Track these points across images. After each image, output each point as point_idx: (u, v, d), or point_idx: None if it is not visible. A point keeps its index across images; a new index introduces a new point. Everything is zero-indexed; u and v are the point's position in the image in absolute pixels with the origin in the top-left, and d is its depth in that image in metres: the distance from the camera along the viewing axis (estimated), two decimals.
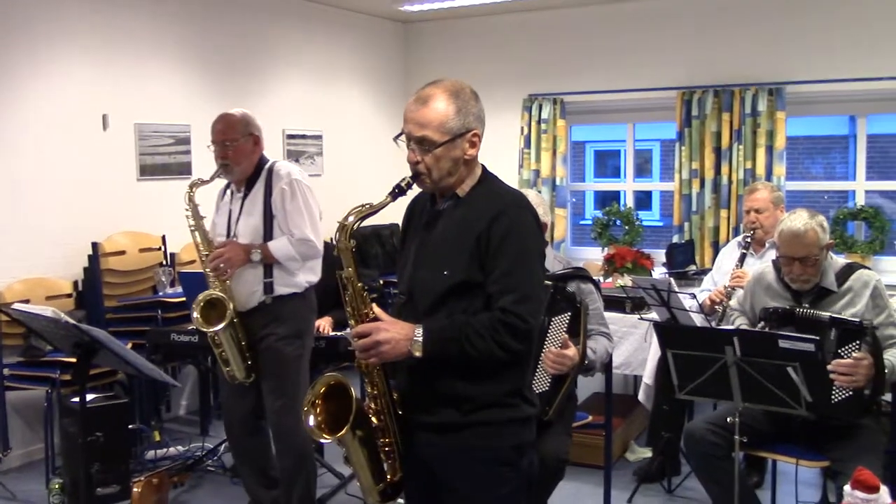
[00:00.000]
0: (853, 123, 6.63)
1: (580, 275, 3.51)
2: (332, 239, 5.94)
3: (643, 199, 11.75)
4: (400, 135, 2.33)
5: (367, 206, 2.29)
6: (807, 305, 3.46)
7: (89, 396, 4.43)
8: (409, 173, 2.31)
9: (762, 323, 3.52)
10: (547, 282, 3.07)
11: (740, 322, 3.75)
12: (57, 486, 4.39)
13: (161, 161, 5.89)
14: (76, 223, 5.33)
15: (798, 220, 3.42)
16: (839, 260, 3.62)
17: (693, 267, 6.13)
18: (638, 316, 4.87)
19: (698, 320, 4.30)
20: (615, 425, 4.70)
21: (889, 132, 8.08)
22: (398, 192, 2.29)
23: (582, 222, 9.12)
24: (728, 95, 6.54)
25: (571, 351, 3.16)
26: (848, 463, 3.09)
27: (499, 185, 2.38)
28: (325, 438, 2.30)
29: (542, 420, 3.04)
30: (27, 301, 4.84)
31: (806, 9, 6.36)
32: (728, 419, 3.24)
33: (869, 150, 6.54)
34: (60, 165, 5.28)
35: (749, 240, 4.66)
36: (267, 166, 3.83)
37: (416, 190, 2.37)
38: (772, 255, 4.19)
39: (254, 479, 4.03)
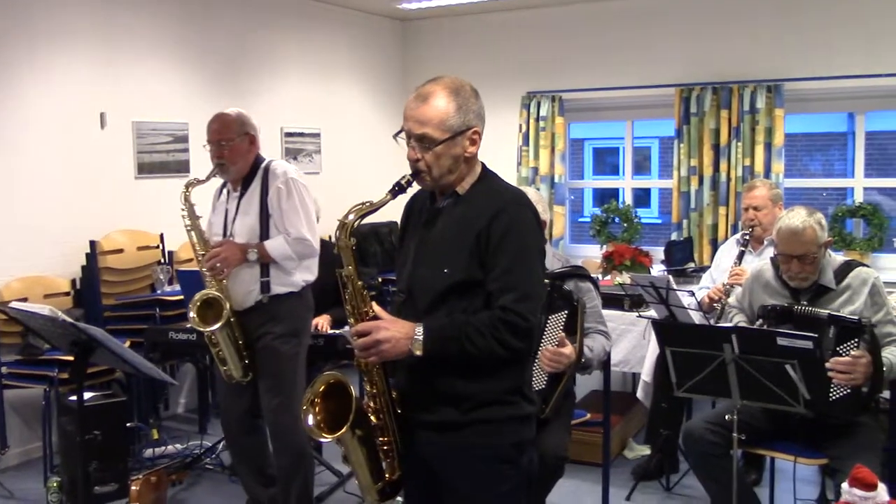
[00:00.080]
0: (852, 120, 6.62)
1: (578, 273, 3.51)
2: (330, 237, 5.94)
3: (642, 197, 11.75)
4: (400, 132, 2.32)
5: (367, 203, 2.28)
6: (805, 303, 3.46)
7: (87, 395, 4.43)
8: (409, 171, 2.30)
9: (760, 320, 3.52)
10: (545, 280, 3.07)
11: (739, 319, 3.75)
12: (55, 485, 4.38)
13: (159, 159, 5.88)
14: (74, 221, 5.32)
15: (796, 217, 3.42)
16: (837, 257, 3.62)
17: (692, 264, 6.13)
18: (636, 313, 4.87)
19: (697, 318, 4.30)
20: (613, 423, 4.70)
21: (888, 129, 8.07)
22: (398, 189, 2.28)
23: (581, 220, 9.13)
24: (726, 92, 6.54)
25: (568, 349, 3.16)
26: (846, 460, 3.09)
27: (499, 182, 2.37)
28: (325, 438, 2.29)
29: (539, 418, 3.04)
30: (25, 299, 4.84)
31: (804, 6, 6.35)
32: (726, 417, 3.24)
33: (867, 147, 6.53)
34: (58, 163, 5.28)
35: (747, 237, 4.65)
36: (263, 165, 3.82)
37: (415, 187, 2.36)
38: (770, 252, 4.19)
39: (251, 477, 4.03)
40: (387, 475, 2.37)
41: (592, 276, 3.63)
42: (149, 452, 5.01)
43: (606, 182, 12.86)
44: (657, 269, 5.92)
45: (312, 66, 7.16)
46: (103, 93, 5.51)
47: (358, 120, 7.63)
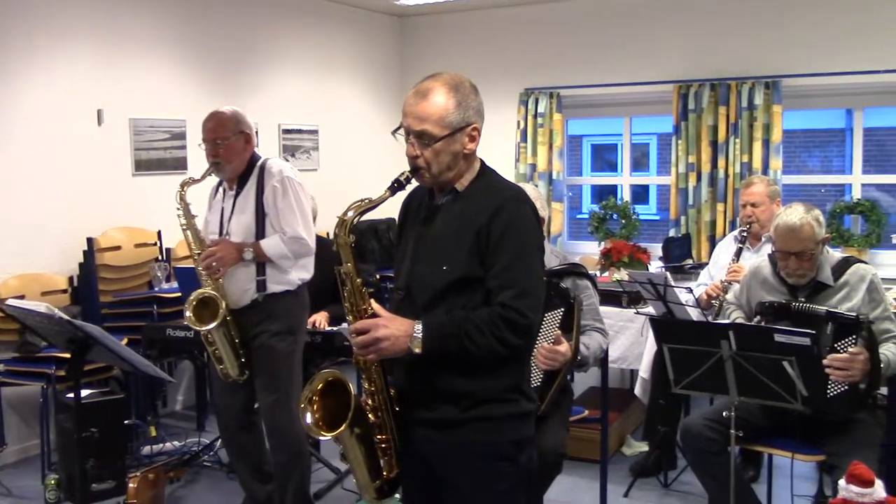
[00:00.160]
0: (850, 117, 6.61)
1: (576, 271, 3.50)
2: (328, 234, 5.93)
3: (640, 193, 11.74)
4: (398, 128, 2.30)
5: (366, 200, 2.27)
6: (803, 300, 3.46)
7: (85, 392, 4.45)
8: (407, 167, 2.29)
9: (758, 317, 3.51)
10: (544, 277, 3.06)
11: (736, 316, 3.75)
12: (53, 482, 4.39)
13: (156, 156, 5.87)
14: (71, 218, 5.32)
15: (794, 214, 3.41)
16: (835, 254, 3.62)
17: (690, 261, 6.13)
18: (634, 310, 4.87)
19: (695, 314, 4.29)
20: (611, 419, 4.70)
21: (886, 125, 8.06)
22: (397, 186, 2.27)
23: (579, 216, 9.12)
24: (724, 89, 6.54)
25: (564, 347, 3.16)
26: (843, 457, 3.09)
27: (498, 179, 2.36)
28: (323, 436, 2.28)
29: (536, 415, 3.03)
30: (22, 297, 4.84)
31: (802, 2, 6.35)
32: (724, 414, 3.24)
33: (866, 143, 6.54)
34: (55, 161, 5.27)
35: (745, 234, 4.65)
36: (259, 164, 3.81)
37: (414, 184, 2.35)
38: (768, 249, 4.18)
39: (248, 474, 4.02)
40: (384, 473, 2.36)
41: (590, 273, 3.63)
42: (147, 450, 5.01)
43: (605, 178, 12.85)
44: (655, 266, 5.92)
45: (310, 62, 7.15)
46: (100, 89, 5.50)
47: (356, 117, 7.62)
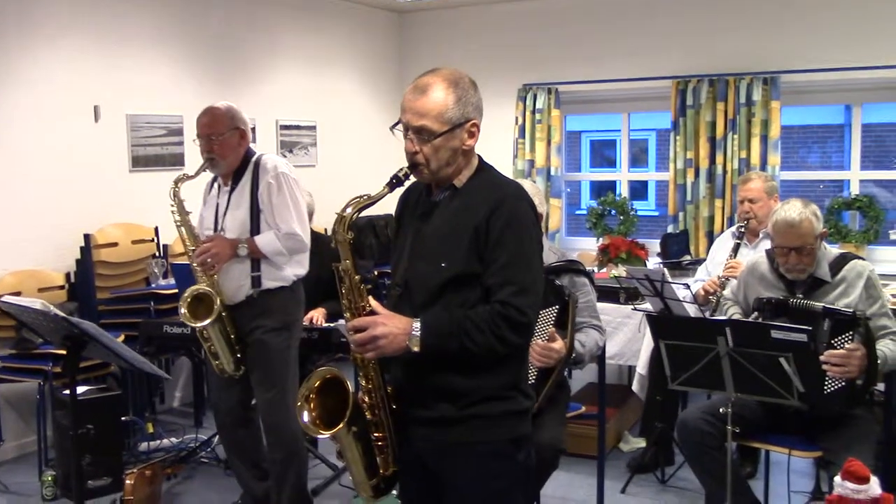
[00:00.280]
0: (849, 112, 6.60)
1: (574, 268, 3.50)
2: (326, 230, 5.92)
3: (639, 189, 11.74)
4: (397, 124, 2.29)
5: (365, 197, 2.25)
6: (800, 296, 3.46)
7: (82, 389, 4.43)
8: (405, 163, 2.27)
9: (756, 313, 3.51)
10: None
11: (733, 312, 3.74)
12: (50, 479, 4.39)
13: (153, 152, 5.86)
14: (68, 215, 5.31)
15: (792, 209, 3.41)
16: (833, 250, 3.62)
17: (687, 257, 6.13)
18: (632, 306, 4.87)
19: (692, 311, 4.29)
20: (609, 415, 4.70)
21: (885, 121, 8.05)
22: (396, 182, 2.26)
23: (578, 212, 9.11)
24: (723, 85, 6.52)
25: (558, 344, 3.15)
26: (840, 453, 3.09)
27: (496, 175, 2.35)
28: (320, 434, 2.27)
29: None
30: (19, 293, 4.83)
31: None
32: (721, 409, 3.24)
33: (864, 139, 6.52)
34: (52, 157, 5.26)
35: (743, 230, 4.65)
36: (254, 159, 3.80)
37: (413, 180, 2.33)
38: (766, 245, 4.18)
39: (246, 470, 4.02)
40: (381, 471, 2.35)
41: (588, 269, 3.62)
42: (144, 446, 5.01)
43: (603, 174, 12.82)
44: (653, 262, 5.91)
45: (309, 58, 7.13)
46: (97, 85, 5.49)
47: (354, 113, 7.61)
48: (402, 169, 2.27)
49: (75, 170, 5.37)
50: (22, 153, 5.11)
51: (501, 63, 7.42)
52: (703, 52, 6.66)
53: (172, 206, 3.78)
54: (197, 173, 3.81)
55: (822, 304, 3.34)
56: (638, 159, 12.73)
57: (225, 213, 3.78)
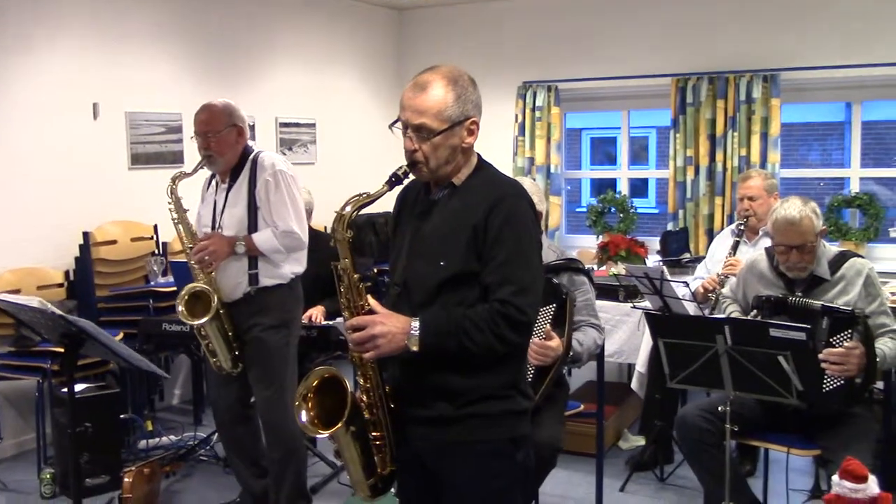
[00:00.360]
0: (849, 110, 6.59)
1: (573, 266, 3.49)
2: (325, 228, 5.92)
3: (640, 187, 11.72)
4: (396, 122, 2.28)
5: (364, 195, 2.24)
6: (799, 294, 3.45)
7: (81, 386, 4.44)
8: (405, 161, 2.26)
9: (754, 311, 3.50)
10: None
11: (732, 310, 3.74)
12: (48, 476, 4.39)
13: (153, 150, 5.85)
14: (67, 213, 5.30)
15: (792, 207, 3.40)
16: (832, 248, 3.61)
17: (687, 255, 6.12)
18: (631, 304, 4.86)
19: (691, 309, 4.28)
20: (608, 413, 4.70)
21: (885, 119, 8.04)
22: (395, 180, 2.25)
23: (578, 210, 9.10)
24: (723, 82, 6.51)
25: (555, 342, 3.15)
26: (839, 451, 3.09)
27: (495, 173, 2.34)
28: (318, 434, 2.26)
29: None
30: (18, 291, 4.83)
31: None
32: (719, 408, 3.23)
33: (864, 136, 6.51)
34: (51, 155, 5.25)
35: (742, 227, 4.64)
36: (251, 157, 3.79)
37: (412, 178, 2.32)
38: (765, 242, 4.18)
39: (245, 468, 4.02)
40: (379, 470, 2.34)
41: (587, 267, 3.61)
42: (143, 444, 5.01)
43: (603, 172, 12.82)
44: (653, 260, 5.91)
45: (308, 55, 7.12)
46: (96, 83, 5.48)
47: (354, 110, 7.60)
48: (401, 167, 2.26)
49: (74, 167, 5.37)
50: (21, 150, 5.10)
51: (501, 60, 7.41)
52: (702, 50, 6.65)
53: (170, 203, 3.78)
54: (194, 171, 3.81)
55: (821, 303, 3.34)
56: (639, 157, 12.72)
57: (223, 211, 3.77)
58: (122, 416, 4.74)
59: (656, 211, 11.00)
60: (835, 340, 3.25)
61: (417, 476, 2.37)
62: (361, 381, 2.30)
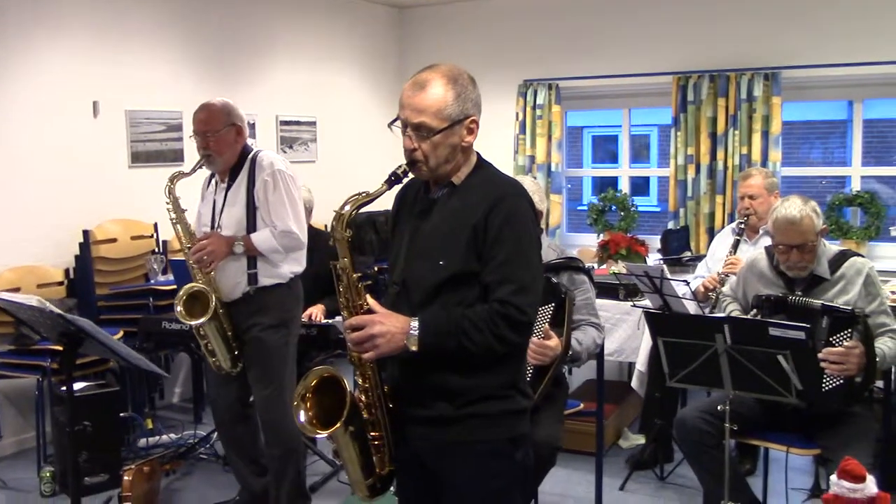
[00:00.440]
0: (850, 108, 6.58)
1: (573, 265, 3.49)
2: (326, 226, 5.91)
3: (641, 185, 11.71)
4: (395, 120, 2.27)
5: (364, 194, 2.23)
6: (799, 293, 3.45)
7: (80, 385, 4.44)
8: (405, 160, 2.25)
9: (754, 310, 3.50)
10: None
11: (732, 308, 3.73)
12: (48, 475, 4.39)
13: (153, 148, 5.85)
14: (67, 211, 5.30)
15: (792, 207, 3.39)
16: (832, 247, 3.60)
17: (688, 253, 6.11)
18: (631, 303, 4.86)
19: (692, 307, 4.28)
20: (608, 412, 4.70)
21: (886, 117, 8.02)
22: (394, 179, 2.24)
23: (580, 208, 9.09)
24: (724, 80, 6.50)
25: (553, 342, 3.14)
26: (838, 451, 3.08)
27: (494, 172, 2.33)
28: (317, 434, 2.25)
29: None
30: (18, 289, 4.83)
31: None
32: (718, 407, 3.23)
33: (866, 135, 6.50)
34: (51, 153, 5.25)
35: (743, 226, 4.63)
36: (250, 156, 3.78)
37: (411, 177, 2.32)
38: (765, 241, 4.17)
39: (244, 466, 4.03)
40: (377, 470, 2.34)
41: (588, 266, 3.61)
42: (143, 442, 5.01)
43: (603, 170, 12.81)
44: (654, 258, 5.90)
45: (309, 53, 7.12)
46: (96, 81, 5.48)
47: (354, 108, 7.59)
48: (400, 166, 2.25)
49: (74, 165, 5.37)
50: (21, 149, 5.10)
51: (502, 59, 7.40)
52: (703, 48, 6.63)
53: (168, 203, 3.77)
54: (193, 170, 3.80)
55: (821, 302, 3.33)
56: (640, 155, 12.71)
57: (222, 211, 3.77)
58: (122, 414, 4.74)
59: (658, 209, 10.99)
60: (835, 340, 3.25)
61: (416, 476, 2.37)
62: (360, 381, 2.29)
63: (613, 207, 7.16)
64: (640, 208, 7.19)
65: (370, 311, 2.21)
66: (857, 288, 3.40)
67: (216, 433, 4.72)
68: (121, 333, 4.91)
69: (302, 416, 2.26)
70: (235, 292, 3.75)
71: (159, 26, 5.88)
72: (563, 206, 7.48)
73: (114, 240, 5.43)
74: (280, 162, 3.78)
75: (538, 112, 7.22)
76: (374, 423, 2.30)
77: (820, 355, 3.17)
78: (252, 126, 6.44)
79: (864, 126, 6.46)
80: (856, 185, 6.42)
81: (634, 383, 4.87)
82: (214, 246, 3.65)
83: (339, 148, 7.38)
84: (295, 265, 3.86)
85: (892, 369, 3.79)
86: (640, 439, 4.96)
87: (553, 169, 7.26)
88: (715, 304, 4.24)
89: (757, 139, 6.38)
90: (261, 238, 3.70)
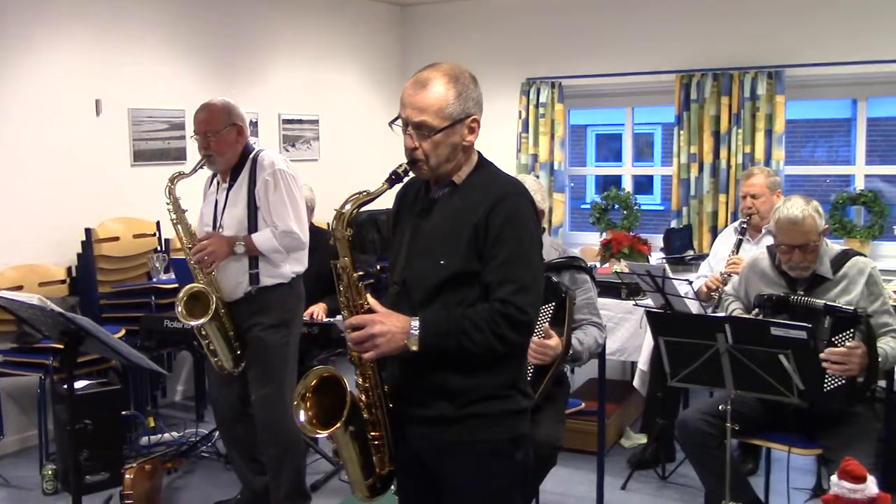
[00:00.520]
0: (854, 107, 6.56)
1: (575, 265, 3.48)
2: (328, 225, 5.90)
3: (645, 184, 11.69)
4: (396, 119, 2.26)
5: (364, 193, 2.22)
6: (801, 293, 3.44)
7: (83, 383, 4.45)
8: (406, 159, 2.25)
9: (756, 310, 3.49)
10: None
11: (735, 308, 3.73)
12: (50, 473, 4.40)
13: (155, 146, 5.85)
14: (69, 209, 5.30)
15: (795, 207, 3.38)
16: (834, 246, 3.59)
17: (691, 252, 6.10)
18: (633, 302, 4.85)
19: (694, 307, 4.27)
20: (610, 411, 4.69)
21: (890, 115, 8.01)
22: (395, 178, 2.24)
23: (583, 206, 9.08)
24: (727, 79, 6.49)
25: (554, 341, 3.13)
26: (840, 451, 3.08)
27: (496, 172, 2.33)
28: (317, 434, 2.25)
29: None
30: (20, 288, 4.84)
31: None
32: (720, 407, 3.22)
33: (870, 133, 6.48)
34: (53, 151, 5.25)
35: (745, 225, 4.62)
36: (251, 156, 3.78)
37: (412, 176, 2.31)
38: (768, 240, 4.16)
39: (245, 465, 4.03)
40: (377, 470, 2.33)
41: (590, 264, 3.60)
42: (145, 440, 5.01)
43: (607, 169, 12.77)
44: (656, 257, 5.89)
45: (311, 52, 7.11)
46: (98, 79, 5.48)
47: (357, 107, 7.59)
48: (401, 165, 2.24)
49: (77, 164, 5.37)
50: (23, 147, 5.10)
51: (504, 57, 7.39)
52: (707, 46, 6.62)
53: (168, 203, 3.77)
54: (194, 171, 3.80)
55: (824, 302, 3.33)
56: (643, 153, 12.69)
57: (223, 211, 3.77)
58: (123, 412, 4.74)
59: (661, 208, 10.97)
60: (837, 340, 3.24)
61: (416, 476, 2.36)
62: (360, 381, 2.28)
63: (616, 206, 7.14)
64: (643, 207, 7.17)
65: (370, 311, 2.20)
66: (860, 288, 3.39)
67: (218, 432, 4.73)
68: (123, 332, 4.91)
69: (302, 416, 2.25)
70: (237, 292, 3.75)
71: (161, 24, 5.88)
72: (566, 204, 7.47)
73: (116, 238, 5.44)
74: (281, 161, 3.77)
75: (541, 110, 7.20)
76: (375, 423, 2.29)
77: (822, 356, 3.17)
78: (254, 124, 6.44)
79: (868, 124, 6.44)
80: (860, 184, 6.40)
81: (636, 382, 4.86)
82: (215, 246, 3.65)
83: (341, 146, 7.38)
84: (296, 265, 3.86)
85: (895, 369, 3.77)
86: (642, 439, 4.95)
87: (556, 167, 7.25)
88: (718, 304, 4.24)
89: (760, 138, 6.37)
90: (262, 238, 3.69)
